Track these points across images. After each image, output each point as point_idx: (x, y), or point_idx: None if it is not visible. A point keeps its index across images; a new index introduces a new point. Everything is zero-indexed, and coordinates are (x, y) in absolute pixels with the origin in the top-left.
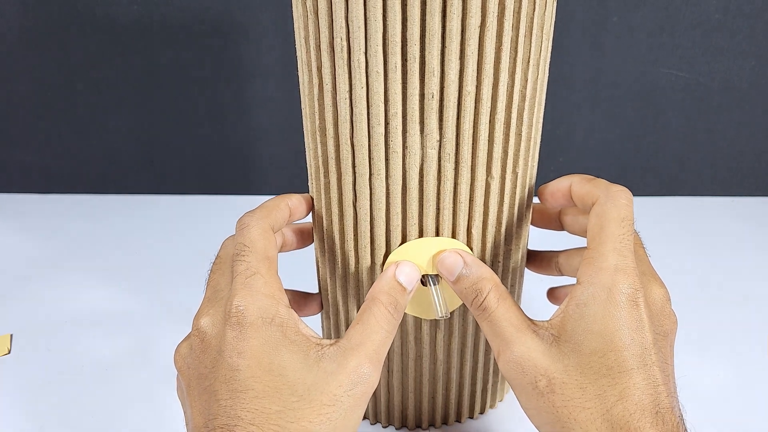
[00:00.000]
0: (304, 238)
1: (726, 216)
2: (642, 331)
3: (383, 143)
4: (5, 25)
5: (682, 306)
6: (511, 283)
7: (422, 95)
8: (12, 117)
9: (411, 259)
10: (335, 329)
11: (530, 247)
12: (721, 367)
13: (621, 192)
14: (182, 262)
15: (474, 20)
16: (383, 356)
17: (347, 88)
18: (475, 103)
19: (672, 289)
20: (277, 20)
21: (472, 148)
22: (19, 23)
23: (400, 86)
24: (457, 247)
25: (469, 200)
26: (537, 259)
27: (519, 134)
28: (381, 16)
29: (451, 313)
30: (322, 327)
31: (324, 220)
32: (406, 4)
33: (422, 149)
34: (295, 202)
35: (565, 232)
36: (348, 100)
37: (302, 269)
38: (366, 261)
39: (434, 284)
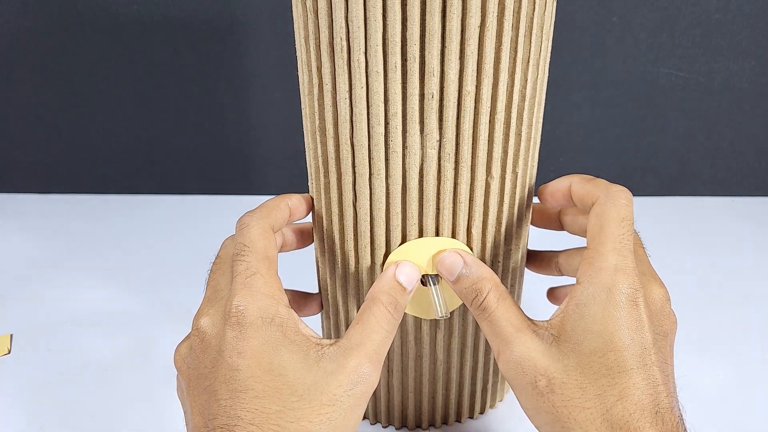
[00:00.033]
0: (304, 238)
1: (726, 216)
2: (642, 331)
3: (383, 143)
4: (5, 25)
5: (682, 306)
6: (511, 283)
7: (422, 95)
8: (12, 117)
9: (411, 259)
10: (335, 329)
11: (530, 247)
12: (721, 367)
13: (621, 192)
14: (182, 262)
15: (474, 20)
16: (383, 356)
17: (347, 88)
18: (475, 103)
19: (672, 289)
20: (277, 20)
21: (472, 148)
22: (19, 23)
23: (399, 86)
24: (457, 247)
25: (469, 200)
26: (537, 259)
27: (519, 134)
28: (381, 16)
29: (451, 313)
30: (322, 327)
31: (324, 220)
32: (405, 4)
33: (422, 149)
34: (295, 202)
35: (565, 232)
36: (348, 100)
37: (302, 269)
38: (366, 261)
39: (434, 284)
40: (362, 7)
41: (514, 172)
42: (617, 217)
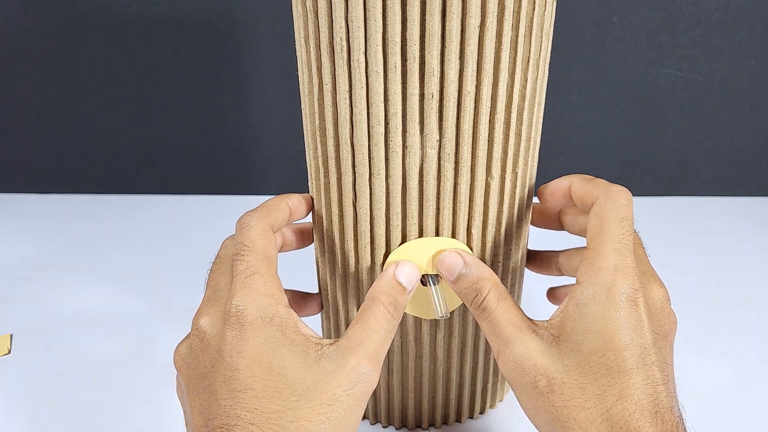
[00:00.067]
0: (304, 238)
1: (726, 216)
2: (641, 331)
3: (383, 143)
4: (5, 25)
5: (682, 306)
6: (511, 283)
7: (422, 95)
8: (12, 117)
9: (411, 259)
10: (335, 329)
11: (530, 247)
12: (721, 367)
13: (620, 192)
14: (182, 262)
15: (474, 20)
16: (383, 356)
17: (347, 88)
18: (475, 102)
19: (672, 289)
20: (277, 20)
21: (472, 147)
22: (19, 23)
23: (399, 86)
24: (457, 246)
25: (469, 200)
26: (537, 259)
27: (519, 134)
28: (381, 16)
29: (451, 313)
30: (322, 327)
31: (324, 220)
32: (405, 4)
33: (422, 149)
34: (295, 202)
35: (565, 232)
36: (348, 100)
37: (302, 269)
38: (366, 261)
39: (434, 284)
40: (362, 7)
41: (514, 172)
42: (617, 217)
